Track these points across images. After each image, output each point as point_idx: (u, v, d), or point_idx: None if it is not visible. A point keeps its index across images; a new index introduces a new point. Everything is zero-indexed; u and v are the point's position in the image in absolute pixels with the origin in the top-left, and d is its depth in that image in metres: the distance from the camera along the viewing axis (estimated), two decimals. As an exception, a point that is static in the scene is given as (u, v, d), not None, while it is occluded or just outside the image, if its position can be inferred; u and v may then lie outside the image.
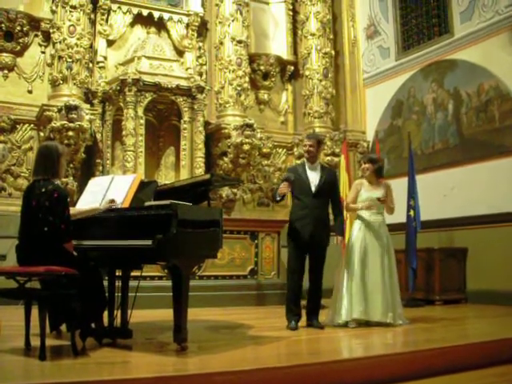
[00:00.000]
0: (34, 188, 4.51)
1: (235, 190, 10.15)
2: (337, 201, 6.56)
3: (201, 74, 10.71)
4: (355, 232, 6.67)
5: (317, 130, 10.97)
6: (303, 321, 6.30)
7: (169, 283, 4.75)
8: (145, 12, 10.55)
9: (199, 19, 10.92)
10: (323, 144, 6.65)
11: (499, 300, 8.43)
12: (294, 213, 6.37)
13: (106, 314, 4.86)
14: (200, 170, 9.58)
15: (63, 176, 4.52)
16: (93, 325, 4.72)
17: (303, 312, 6.37)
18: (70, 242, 4.45)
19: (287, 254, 6.48)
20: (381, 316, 6.42)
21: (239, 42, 10.67)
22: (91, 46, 9.87)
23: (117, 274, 5.17)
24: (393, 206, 6.79)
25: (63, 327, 5.25)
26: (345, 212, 7.20)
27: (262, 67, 11.42)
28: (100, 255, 4.91)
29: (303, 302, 6.42)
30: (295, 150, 11.37)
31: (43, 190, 4.45)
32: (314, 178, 6.33)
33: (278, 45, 11.75)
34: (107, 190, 5.12)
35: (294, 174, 6.39)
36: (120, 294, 5.09)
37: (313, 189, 6.27)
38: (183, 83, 9.70)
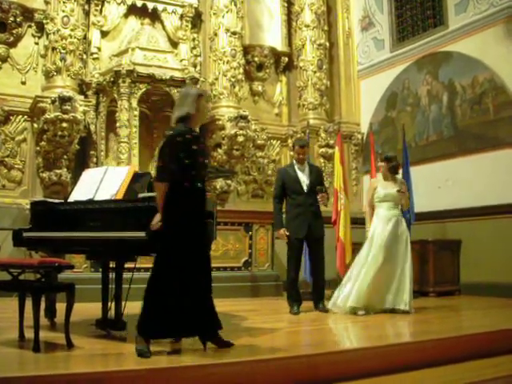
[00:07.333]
0: None
1: (229, 182, 10.14)
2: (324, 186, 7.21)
3: (195, 66, 10.66)
4: (374, 226, 6.99)
5: (311, 121, 10.98)
6: (307, 306, 6.86)
7: (163, 275, 4.73)
8: (139, 3, 10.46)
9: (193, 10, 10.85)
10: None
11: (493, 292, 8.48)
12: (290, 211, 7.00)
13: (99, 306, 4.85)
14: (194, 162, 9.53)
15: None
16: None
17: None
18: (161, 184, 4.27)
19: (287, 246, 7.03)
20: (396, 303, 6.76)
21: (233, 33, 10.62)
22: (85, 37, 9.78)
23: (110, 265, 5.17)
24: (408, 201, 7.44)
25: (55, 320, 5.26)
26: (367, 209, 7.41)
27: (256, 58, 11.35)
28: (94, 247, 4.90)
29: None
30: (289, 141, 11.31)
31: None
32: (304, 177, 7.03)
33: (273, 36, 11.68)
34: (101, 181, 5.12)
35: (286, 175, 7.10)
36: (114, 286, 5.08)
37: (305, 188, 6.95)
38: (177, 74, 9.65)
